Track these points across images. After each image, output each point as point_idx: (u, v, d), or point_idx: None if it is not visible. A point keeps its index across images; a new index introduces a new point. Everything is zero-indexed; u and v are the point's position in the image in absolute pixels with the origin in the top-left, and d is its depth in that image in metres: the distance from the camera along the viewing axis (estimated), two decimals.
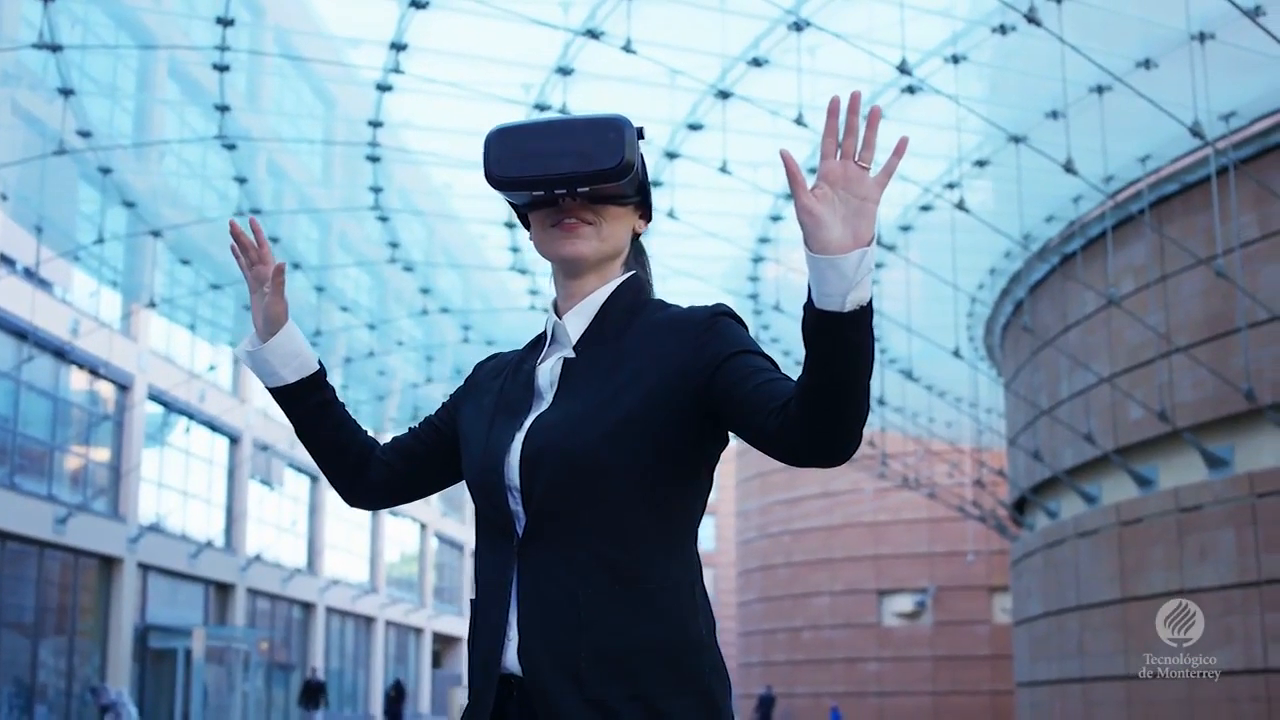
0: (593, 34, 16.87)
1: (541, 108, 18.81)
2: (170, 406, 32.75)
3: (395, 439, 2.89)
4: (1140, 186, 18.93)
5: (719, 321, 2.51)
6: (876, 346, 2.25)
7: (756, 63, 17.50)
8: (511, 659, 2.47)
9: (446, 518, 56.30)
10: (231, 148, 20.92)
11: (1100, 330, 20.51)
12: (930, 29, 17.42)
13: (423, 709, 52.53)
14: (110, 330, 28.69)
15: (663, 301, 2.69)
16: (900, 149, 2.18)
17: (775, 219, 21.77)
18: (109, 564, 29.43)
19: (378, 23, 18.20)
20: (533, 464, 2.48)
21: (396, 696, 35.09)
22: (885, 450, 34.00)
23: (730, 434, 2.56)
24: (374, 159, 21.05)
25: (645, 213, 2.74)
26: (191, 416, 33.85)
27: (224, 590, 35.71)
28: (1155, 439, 19.14)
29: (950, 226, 20.73)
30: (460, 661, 58.52)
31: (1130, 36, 16.57)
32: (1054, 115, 17.73)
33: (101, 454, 30.21)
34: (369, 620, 47.85)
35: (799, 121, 16.97)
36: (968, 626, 44.24)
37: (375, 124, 19.95)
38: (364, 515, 48.00)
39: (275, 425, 37.96)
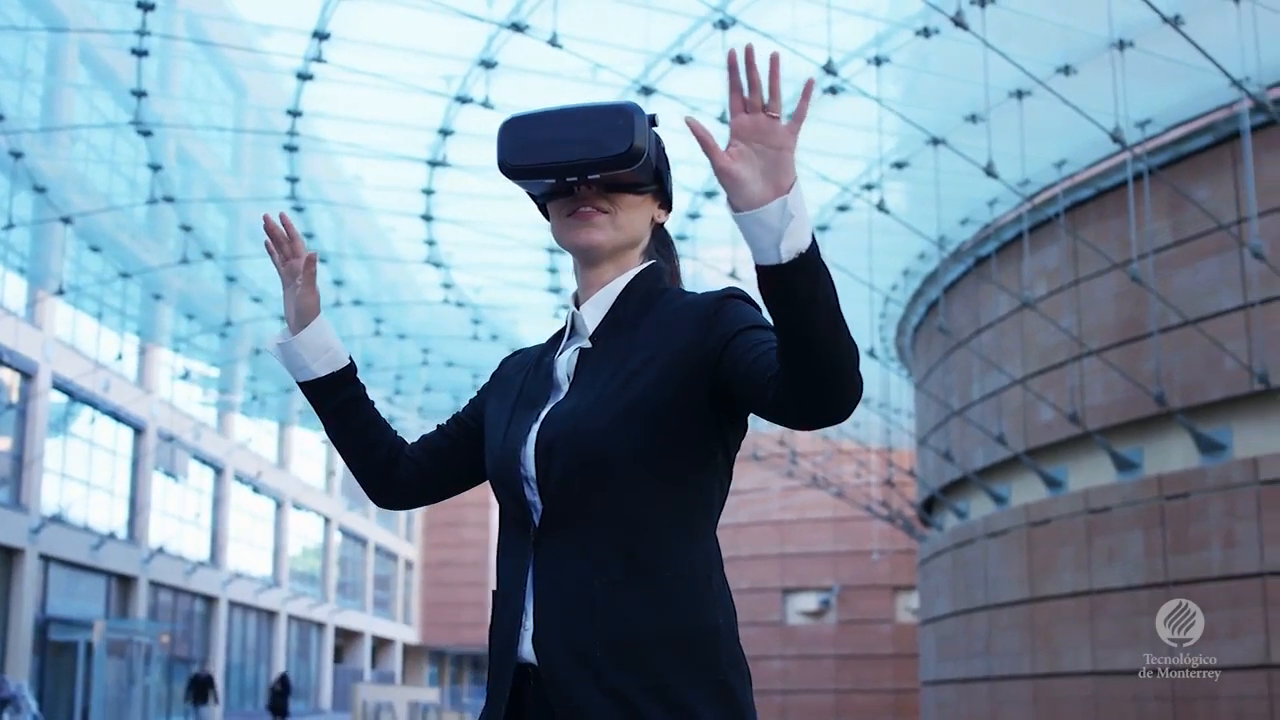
0: (517, 27, 16.81)
1: (463, 100, 18.73)
2: (75, 396, 32.28)
3: (424, 437, 2.88)
4: (1055, 191, 19.16)
5: (727, 303, 2.51)
6: None
7: (680, 60, 17.51)
8: (528, 649, 2.47)
9: (351, 511, 55.97)
10: (147, 134, 20.62)
11: (1013, 332, 20.73)
12: (853, 30, 17.49)
13: (324, 705, 52.20)
14: (15, 318, 28.24)
15: (680, 290, 2.69)
16: (807, 91, 2.15)
17: (693, 217, 21.83)
18: (10, 555, 28.95)
19: (296, 10, 18.03)
20: (547, 454, 2.48)
21: (282, 690, 34.62)
22: (794, 449, 34.22)
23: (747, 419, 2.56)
24: (291, 148, 20.82)
25: (665, 202, 2.73)
26: (96, 406, 33.38)
27: (126, 583, 35.26)
28: (1065, 441, 19.39)
29: (867, 227, 20.85)
30: (361, 657, 58.22)
31: (1051, 42, 16.74)
32: (973, 119, 17.88)
33: (3, 443, 29.72)
34: (271, 614, 47.47)
35: (722, 120, 17.00)
36: (871, 625, 44.57)
37: (294, 113, 19.74)
38: (267, 508, 47.65)
39: (180, 416, 37.56)
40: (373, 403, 2.86)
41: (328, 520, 53.42)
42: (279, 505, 48.33)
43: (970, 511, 23.50)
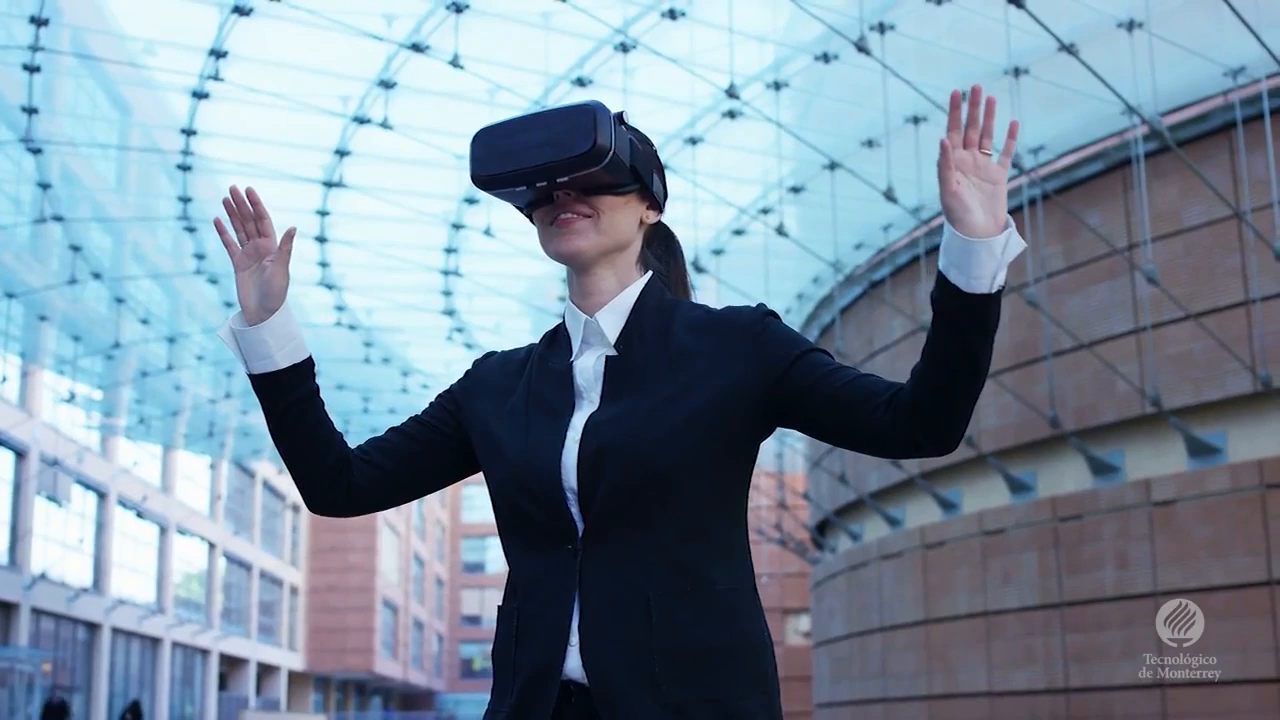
0: (418, 47, 16.70)
1: (360, 120, 18.58)
2: None
3: (374, 441, 2.70)
4: None
5: (773, 322, 2.52)
6: None
7: (581, 82, 17.49)
8: (574, 665, 2.39)
9: (236, 537, 55.24)
10: (38, 152, 20.26)
11: (907, 355, 20.87)
12: (753, 55, 17.57)
13: None
14: None
15: (692, 301, 2.66)
16: (1013, 131, 2.35)
17: None
18: None
19: (187, 28, 17.77)
20: (594, 464, 2.41)
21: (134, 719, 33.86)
22: None
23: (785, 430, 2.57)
24: (185, 168, 20.50)
25: (653, 202, 2.67)
26: None
27: (7, 610, 34.52)
28: (960, 463, 19.54)
29: (762, 251, 20.94)
30: (246, 684, 57.40)
31: (948, 69, 16.91)
32: (870, 144, 18.03)
33: None
34: (155, 641, 46.71)
35: None
36: None
37: (188, 132, 19.43)
38: (151, 533, 46.88)
39: (63, 440, 36.87)
40: (323, 400, 2.67)
41: (212, 546, 52.70)
42: (163, 530, 47.61)
43: (865, 534, 23.64)
